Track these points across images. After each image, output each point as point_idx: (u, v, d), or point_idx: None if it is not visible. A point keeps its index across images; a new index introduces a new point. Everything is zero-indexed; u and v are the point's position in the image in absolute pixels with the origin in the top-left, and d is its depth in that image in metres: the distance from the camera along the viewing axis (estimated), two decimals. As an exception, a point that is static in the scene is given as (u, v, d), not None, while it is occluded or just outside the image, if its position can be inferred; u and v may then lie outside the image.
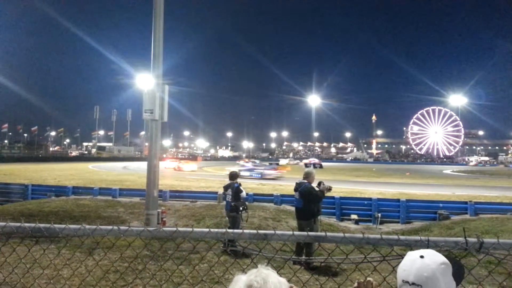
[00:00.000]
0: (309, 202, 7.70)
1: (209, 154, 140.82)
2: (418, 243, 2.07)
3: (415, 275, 1.33)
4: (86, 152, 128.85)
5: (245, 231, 2.33)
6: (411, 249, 1.50)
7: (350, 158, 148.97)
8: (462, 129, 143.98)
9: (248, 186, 23.31)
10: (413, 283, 1.32)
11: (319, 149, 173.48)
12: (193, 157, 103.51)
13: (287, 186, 22.20)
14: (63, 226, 2.44)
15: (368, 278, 1.60)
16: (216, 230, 2.39)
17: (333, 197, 14.37)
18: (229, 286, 1.26)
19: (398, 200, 14.41)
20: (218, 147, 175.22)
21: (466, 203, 13.68)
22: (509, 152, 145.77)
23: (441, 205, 13.89)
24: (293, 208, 9.21)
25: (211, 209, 12.63)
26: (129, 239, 2.63)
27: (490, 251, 2.03)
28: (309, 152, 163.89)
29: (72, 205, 13.86)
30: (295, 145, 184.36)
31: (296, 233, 2.31)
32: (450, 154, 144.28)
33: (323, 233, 2.25)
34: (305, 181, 7.94)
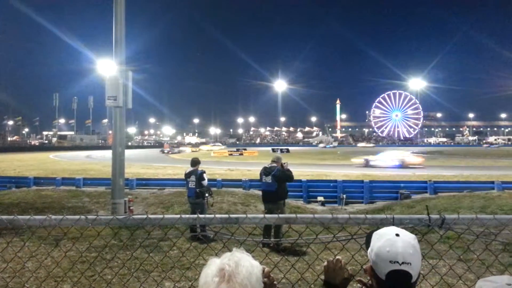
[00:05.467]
0: (282, 183, 7.98)
1: (175, 141, 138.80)
2: (384, 221, 2.16)
3: (402, 254, 1.34)
4: (46, 141, 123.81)
5: (217, 215, 2.33)
6: (377, 228, 1.50)
7: (315, 142, 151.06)
8: (421, 112, 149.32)
9: (216, 172, 23.28)
10: (403, 263, 1.33)
11: (286, 134, 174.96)
12: (159, 145, 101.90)
13: (256, 171, 22.34)
14: (27, 217, 2.35)
15: (337, 257, 1.66)
16: (187, 216, 2.38)
17: (300, 180, 14.64)
18: (203, 269, 1.26)
19: (362, 182, 14.89)
20: (184, 134, 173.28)
21: (425, 182, 14.32)
22: (465, 133, 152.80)
23: (402, 185, 14.47)
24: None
25: (179, 196, 12.53)
26: (98, 229, 2.58)
27: (451, 226, 2.16)
28: (276, 137, 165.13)
29: (34, 196, 13.39)
30: (262, 130, 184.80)
31: (268, 216, 2.32)
32: (410, 136, 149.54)
33: (293, 215, 2.28)
34: (275, 164, 8.11)
